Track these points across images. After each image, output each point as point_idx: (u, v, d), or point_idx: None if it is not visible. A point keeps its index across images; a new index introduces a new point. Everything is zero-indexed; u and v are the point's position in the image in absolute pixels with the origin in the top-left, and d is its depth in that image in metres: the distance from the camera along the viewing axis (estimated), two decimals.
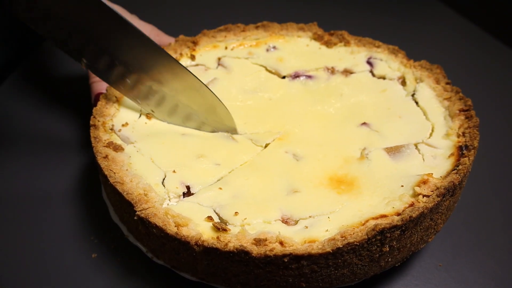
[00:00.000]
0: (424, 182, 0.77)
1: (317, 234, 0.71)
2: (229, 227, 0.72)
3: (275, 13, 1.61)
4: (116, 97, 0.95)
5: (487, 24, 1.52)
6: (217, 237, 0.70)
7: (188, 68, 0.90)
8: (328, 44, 1.11)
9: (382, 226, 0.67)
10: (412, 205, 0.73)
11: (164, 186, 0.80)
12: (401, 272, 0.84)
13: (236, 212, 0.75)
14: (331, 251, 0.66)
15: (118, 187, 0.76)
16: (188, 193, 0.80)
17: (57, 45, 0.86)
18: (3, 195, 0.97)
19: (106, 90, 0.95)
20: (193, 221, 0.73)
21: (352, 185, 0.80)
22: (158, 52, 0.88)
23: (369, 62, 1.06)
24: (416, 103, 0.96)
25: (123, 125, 0.91)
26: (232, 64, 1.06)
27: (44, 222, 0.91)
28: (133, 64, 0.88)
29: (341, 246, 0.66)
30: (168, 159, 0.85)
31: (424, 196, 0.74)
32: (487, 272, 0.85)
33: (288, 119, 0.95)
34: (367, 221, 0.72)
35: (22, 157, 1.05)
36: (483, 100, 1.13)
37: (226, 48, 1.11)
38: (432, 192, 0.74)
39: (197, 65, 1.06)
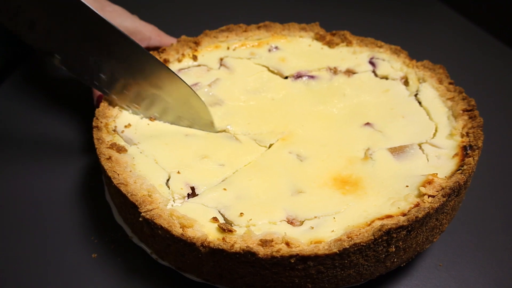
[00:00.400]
0: (429, 182, 0.76)
1: (323, 234, 0.71)
2: (234, 228, 0.72)
3: (277, 13, 1.61)
4: None
5: (489, 24, 1.53)
6: (223, 238, 0.70)
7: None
8: (330, 44, 1.11)
9: (389, 227, 0.67)
10: (417, 205, 0.73)
11: (168, 187, 0.80)
12: (401, 272, 0.84)
13: (241, 213, 0.75)
14: (337, 251, 0.66)
15: (122, 189, 0.76)
16: (193, 194, 0.80)
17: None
18: (6, 196, 0.96)
19: None
20: (199, 222, 0.73)
21: (356, 185, 0.80)
22: (134, 45, 0.87)
23: (371, 62, 1.06)
24: (419, 103, 0.96)
25: (125, 126, 0.91)
26: (234, 65, 1.06)
27: (46, 224, 0.91)
28: (107, 60, 0.87)
29: (347, 246, 0.66)
30: (172, 160, 0.85)
31: (429, 196, 0.74)
32: (488, 272, 0.85)
33: (291, 120, 0.94)
34: (372, 221, 0.72)
35: (24, 159, 1.04)
36: (485, 100, 1.13)
37: (228, 48, 1.10)
38: (437, 192, 0.74)
39: (199, 65, 1.06)
